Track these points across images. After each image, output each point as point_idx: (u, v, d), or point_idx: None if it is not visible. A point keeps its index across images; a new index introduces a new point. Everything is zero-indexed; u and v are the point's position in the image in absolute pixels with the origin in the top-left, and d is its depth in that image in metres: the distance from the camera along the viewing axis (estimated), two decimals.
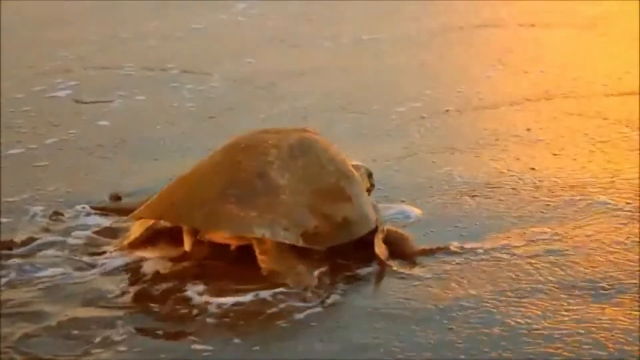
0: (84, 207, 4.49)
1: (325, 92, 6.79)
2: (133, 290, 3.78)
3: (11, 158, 5.36)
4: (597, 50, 8.06)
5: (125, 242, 4.09)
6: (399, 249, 4.10)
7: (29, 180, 4.96)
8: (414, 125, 5.97)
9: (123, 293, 3.76)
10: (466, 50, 8.03)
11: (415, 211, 4.53)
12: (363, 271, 3.96)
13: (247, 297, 3.69)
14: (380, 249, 4.02)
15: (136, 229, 4.12)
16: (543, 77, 7.09)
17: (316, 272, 3.89)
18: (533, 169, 5.14)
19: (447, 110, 6.28)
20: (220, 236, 3.96)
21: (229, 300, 3.67)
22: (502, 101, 6.48)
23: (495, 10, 9.43)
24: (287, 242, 3.85)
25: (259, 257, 3.86)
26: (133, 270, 3.95)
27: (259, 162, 3.98)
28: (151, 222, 4.05)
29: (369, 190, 4.46)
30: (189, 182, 4.02)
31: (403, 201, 4.67)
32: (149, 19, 9.38)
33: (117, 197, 4.55)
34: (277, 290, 3.72)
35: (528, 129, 5.85)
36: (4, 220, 4.42)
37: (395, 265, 3.99)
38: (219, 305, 3.64)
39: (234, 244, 3.99)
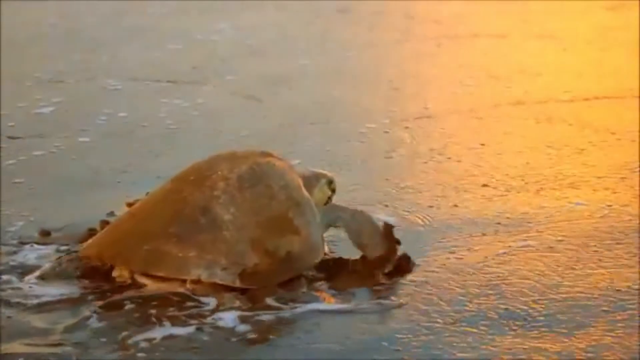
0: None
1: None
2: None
3: None
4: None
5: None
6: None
7: None
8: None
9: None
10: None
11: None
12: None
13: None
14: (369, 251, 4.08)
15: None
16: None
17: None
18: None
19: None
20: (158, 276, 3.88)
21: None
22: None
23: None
24: (223, 283, 3.80)
25: (189, 285, 3.84)
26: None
27: (205, 196, 3.92)
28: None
29: (330, 198, 4.35)
30: (135, 216, 4.00)
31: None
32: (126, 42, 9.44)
33: (46, 233, 4.44)
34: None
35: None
36: None
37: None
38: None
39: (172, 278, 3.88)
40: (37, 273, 4.00)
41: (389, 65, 8.38)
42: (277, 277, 3.89)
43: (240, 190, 3.96)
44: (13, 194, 5.14)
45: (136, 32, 10.00)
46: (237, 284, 3.81)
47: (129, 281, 3.90)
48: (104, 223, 4.33)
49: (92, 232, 4.27)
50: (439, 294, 3.89)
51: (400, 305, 3.79)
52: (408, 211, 4.82)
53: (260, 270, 3.85)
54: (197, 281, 3.82)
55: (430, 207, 4.90)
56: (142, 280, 3.89)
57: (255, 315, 3.69)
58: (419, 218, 4.73)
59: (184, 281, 3.84)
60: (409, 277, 4.03)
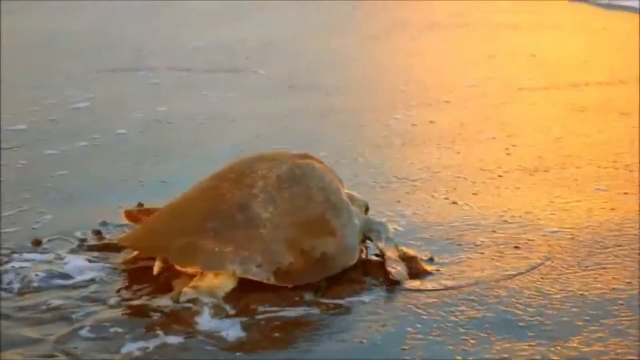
0: None
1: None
2: None
3: None
4: None
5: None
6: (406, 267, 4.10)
7: None
8: None
9: None
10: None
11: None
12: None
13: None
14: (394, 271, 4.03)
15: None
16: None
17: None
18: None
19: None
20: (192, 269, 3.91)
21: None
22: None
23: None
24: (257, 279, 3.83)
25: (194, 281, 3.83)
26: None
27: (244, 194, 3.96)
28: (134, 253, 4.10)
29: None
30: (173, 210, 4.05)
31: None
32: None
33: (37, 242, 4.43)
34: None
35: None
36: None
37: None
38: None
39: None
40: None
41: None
42: (310, 277, 3.92)
43: (278, 190, 3.99)
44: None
45: None
46: (272, 281, 3.83)
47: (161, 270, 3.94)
48: (96, 232, 4.34)
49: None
50: (437, 297, 3.92)
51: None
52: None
53: (295, 270, 3.88)
54: (204, 277, 3.82)
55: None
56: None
57: (249, 322, 3.69)
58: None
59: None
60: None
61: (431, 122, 6.75)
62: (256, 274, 3.82)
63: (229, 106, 7.41)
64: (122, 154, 6.04)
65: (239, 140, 6.28)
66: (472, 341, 3.59)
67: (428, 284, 4.03)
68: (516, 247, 4.40)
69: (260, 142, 6.17)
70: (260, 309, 3.78)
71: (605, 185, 5.25)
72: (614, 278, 4.08)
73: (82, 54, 9.72)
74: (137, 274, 4.07)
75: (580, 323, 3.71)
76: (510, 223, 4.71)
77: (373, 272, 4.10)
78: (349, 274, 4.05)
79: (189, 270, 3.92)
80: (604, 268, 4.18)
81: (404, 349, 3.53)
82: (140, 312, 3.77)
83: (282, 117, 7.03)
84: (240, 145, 6.08)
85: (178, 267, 3.95)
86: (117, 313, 3.76)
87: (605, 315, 3.76)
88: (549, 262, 4.23)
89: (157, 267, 3.97)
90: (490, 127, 6.62)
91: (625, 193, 5.10)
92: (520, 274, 4.13)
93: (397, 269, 4.04)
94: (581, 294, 3.94)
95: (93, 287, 3.98)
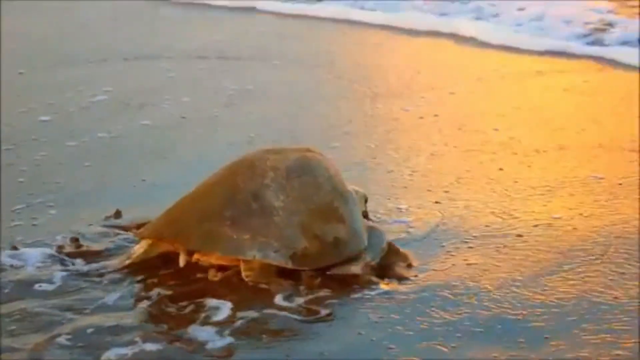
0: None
1: None
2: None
3: None
4: None
5: (127, 261, 4.18)
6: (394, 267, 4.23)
7: None
8: None
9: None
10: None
11: None
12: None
13: None
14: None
15: (139, 248, 4.23)
16: None
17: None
18: None
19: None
20: (215, 256, 4.09)
21: None
22: None
23: None
24: (276, 263, 4.00)
25: (244, 272, 4.01)
26: None
27: (256, 184, 4.14)
28: (151, 243, 4.20)
29: (364, 215, 4.56)
30: (191, 200, 4.18)
31: None
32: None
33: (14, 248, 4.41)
34: None
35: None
36: None
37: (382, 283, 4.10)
38: None
39: (227, 263, 4.10)
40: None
41: None
42: (325, 261, 4.11)
43: (288, 180, 4.18)
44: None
45: None
46: (290, 265, 4.02)
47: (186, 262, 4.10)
48: (73, 240, 4.35)
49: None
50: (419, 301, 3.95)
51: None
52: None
53: (310, 254, 4.07)
54: (251, 267, 3.99)
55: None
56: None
57: (227, 328, 3.70)
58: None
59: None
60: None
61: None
62: (275, 259, 4.00)
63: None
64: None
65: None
66: (453, 344, 3.62)
67: (404, 287, 4.06)
68: (497, 249, 4.44)
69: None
70: (239, 314, 3.80)
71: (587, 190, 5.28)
72: (591, 282, 4.11)
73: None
74: (115, 281, 4.07)
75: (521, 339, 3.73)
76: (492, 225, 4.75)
77: (349, 275, 4.12)
78: (328, 280, 4.08)
79: (211, 257, 4.10)
80: (584, 272, 4.20)
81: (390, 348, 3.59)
82: (119, 319, 3.76)
83: None
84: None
85: (200, 257, 4.13)
86: (95, 320, 3.75)
87: (584, 320, 3.79)
88: (532, 264, 4.27)
89: (182, 259, 4.12)
90: None
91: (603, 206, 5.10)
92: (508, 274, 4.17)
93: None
94: (560, 297, 3.97)
95: (71, 295, 3.96)
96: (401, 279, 4.13)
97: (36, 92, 7.52)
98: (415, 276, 4.17)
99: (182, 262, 4.12)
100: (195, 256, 4.14)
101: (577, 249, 4.45)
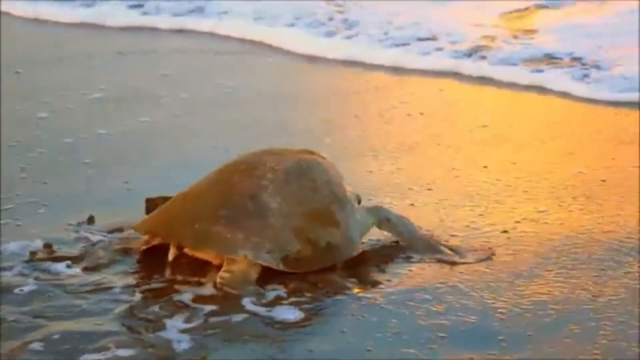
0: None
1: None
2: None
3: None
4: None
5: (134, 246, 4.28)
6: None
7: None
8: None
9: None
10: None
11: None
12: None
13: None
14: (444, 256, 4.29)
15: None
16: None
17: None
18: None
19: None
20: (205, 254, 4.13)
21: None
22: None
23: None
24: (267, 265, 4.01)
25: (221, 273, 4.01)
26: None
27: (253, 184, 4.15)
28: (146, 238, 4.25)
29: None
30: (186, 199, 4.20)
31: None
32: None
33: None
34: None
35: None
36: None
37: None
38: None
39: (216, 261, 4.11)
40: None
41: None
42: (317, 264, 4.12)
43: (286, 182, 4.20)
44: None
45: None
46: (281, 267, 4.04)
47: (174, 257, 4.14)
48: (46, 246, 4.35)
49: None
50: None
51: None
52: None
53: (302, 257, 4.09)
54: (231, 271, 4.00)
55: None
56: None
57: (198, 330, 3.72)
58: None
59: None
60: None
61: None
62: (266, 260, 4.01)
63: None
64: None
65: None
66: (434, 346, 3.64)
67: (381, 289, 4.06)
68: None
69: None
70: (214, 319, 3.79)
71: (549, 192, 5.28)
72: (561, 286, 4.10)
73: None
74: (89, 287, 4.04)
75: (531, 333, 3.74)
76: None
77: (322, 280, 4.11)
78: (303, 283, 4.08)
79: (203, 255, 4.13)
80: (554, 276, 4.20)
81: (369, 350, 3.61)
82: (92, 325, 3.75)
83: None
84: None
85: (191, 253, 4.16)
86: (69, 326, 3.74)
87: (558, 324, 3.79)
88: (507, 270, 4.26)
89: (171, 253, 4.15)
90: None
91: (581, 209, 5.06)
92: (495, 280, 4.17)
93: (446, 254, 4.29)
94: (533, 301, 3.97)
95: (44, 301, 3.94)
96: (375, 283, 4.13)
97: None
98: (389, 281, 4.16)
99: (171, 256, 4.14)
100: (186, 251, 4.17)
101: (560, 249, 4.45)
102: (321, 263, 4.13)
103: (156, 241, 4.26)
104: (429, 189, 5.16)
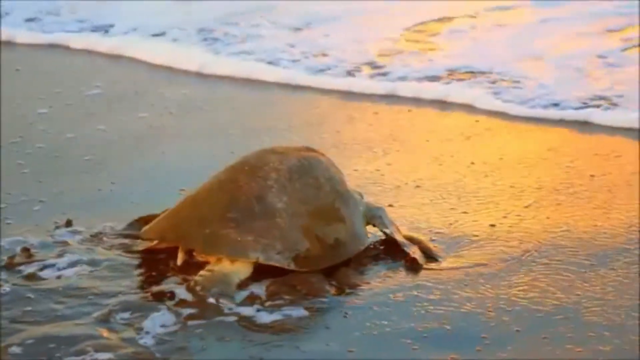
0: None
1: None
2: None
3: None
4: None
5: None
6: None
7: None
8: None
9: None
10: None
11: None
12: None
13: None
14: (413, 249, 4.28)
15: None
16: None
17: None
18: None
19: None
20: (215, 257, 4.12)
21: None
22: None
23: None
24: (278, 265, 4.06)
25: (202, 272, 4.03)
26: None
27: (259, 185, 4.19)
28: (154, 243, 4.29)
29: None
30: (193, 202, 4.24)
31: None
32: None
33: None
34: None
35: None
36: None
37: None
38: None
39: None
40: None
41: None
42: (327, 262, 4.17)
43: (290, 181, 4.24)
44: None
45: None
46: (292, 267, 4.08)
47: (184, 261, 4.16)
48: (24, 250, 4.34)
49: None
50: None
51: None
52: None
53: (312, 255, 4.13)
54: (211, 270, 4.03)
55: None
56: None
57: (178, 333, 3.73)
58: None
59: None
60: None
61: None
62: (278, 261, 4.06)
63: None
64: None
65: None
66: (416, 346, 3.65)
67: (359, 293, 4.08)
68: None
69: None
70: (191, 323, 3.79)
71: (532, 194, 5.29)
72: (545, 284, 4.12)
73: None
74: (67, 291, 4.03)
75: (513, 332, 3.75)
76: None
77: (301, 283, 4.10)
78: (282, 286, 4.07)
79: (213, 259, 4.12)
80: (538, 275, 4.21)
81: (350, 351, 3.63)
82: (70, 328, 3.74)
83: None
84: None
85: (201, 257, 4.17)
86: (47, 330, 3.72)
87: (541, 324, 3.81)
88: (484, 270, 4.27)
89: (180, 258, 4.17)
90: None
91: (558, 204, 5.09)
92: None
93: (418, 253, 4.29)
94: (516, 300, 3.99)
95: (22, 305, 3.92)
96: (354, 285, 4.13)
97: None
98: (368, 283, 4.17)
99: (180, 260, 4.17)
100: (195, 255, 4.21)
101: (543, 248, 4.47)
102: (331, 260, 4.19)
103: (163, 245, 4.29)
104: None
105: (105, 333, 3.69)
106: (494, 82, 7.20)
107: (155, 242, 4.31)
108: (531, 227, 4.71)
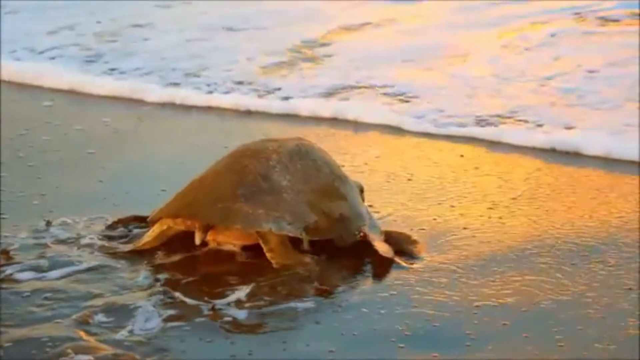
0: None
1: None
2: None
3: None
4: None
5: (139, 245, 4.39)
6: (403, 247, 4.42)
7: None
8: None
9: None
10: None
11: None
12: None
13: None
14: (384, 249, 4.34)
15: (150, 233, 4.42)
16: None
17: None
18: None
19: None
20: (229, 234, 4.34)
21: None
22: None
23: None
24: (291, 234, 4.25)
25: (267, 254, 4.24)
26: None
27: (263, 165, 4.38)
28: (165, 227, 4.38)
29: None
30: (202, 184, 4.40)
31: None
32: None
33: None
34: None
35: None
36: None
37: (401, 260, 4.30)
38: None
39: (238, 244, 4.37)
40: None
41: None
42: (334, 232, 4.38)
43: (291, 162, 4.45)
44: None
45: None
46: (303, 235, 4.28)
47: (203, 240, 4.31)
48: (3, 252, 4.33)
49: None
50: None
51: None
52: None
53: (320, 227, 4.33)
54: (271, 248, 4.24)
55: None
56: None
57: (158, 334, 3.72)
58: None
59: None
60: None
61: None
62: (290, 231, 4.25)
63: None
64: None
65: None
66: (401, 345, 3.66)
67: (340, 293, 4.08)
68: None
69: None
70: (171, 324, 3.79)
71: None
72: (528, 284, 4.13)
73: None
74: (46, 294, 4.02)
75: (495, 332, 3.77)
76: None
77: (281, 284, 4.12)
78: (263, 286, 4.09)
79: (223, 237, 4.34)
80: (522, 274, 4.22)
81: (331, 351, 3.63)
82: (49, 330, 3.73)
83: None
84: None
85: (214, 238, 4.35)
86: (26, 333, 3.71)
87: (523, 323, 3.82)
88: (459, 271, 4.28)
89: (198, 237, 4.31)
90: None
91: (537, 208, 5.09)
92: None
93: (382, 247, 4.36)
94: (499, 300, 4.00)
95: (1, 309, 3.90)
96: (335, 286, 4.14)
97: None
98: (349, 283, 4.19)
99: (198, 239, 4.29)
100: (210, 236, 4.34)
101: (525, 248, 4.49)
102: (338, 231, 4.37)
103: (170, 229, 4.38)
104: None
105: (85, 335, 3.68)
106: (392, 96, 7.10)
107: (151, 240, 4.38)
108: (515, 225, 4.75)
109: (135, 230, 4.58)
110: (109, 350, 3.59)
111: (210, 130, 6.78)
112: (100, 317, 3.81)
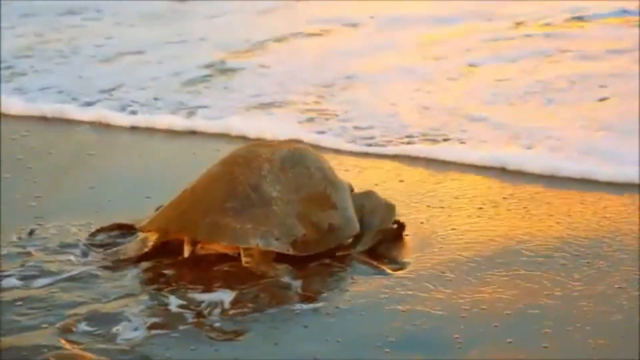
0: None
1: None
2: None
3: None
4: None
5: (131, 255, 4.36)
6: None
7: None
8: None
9: None
10: None
11: None
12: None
13: None
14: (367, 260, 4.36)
15: (143, 241, 4.41)
16: None
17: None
18: None
19: None
20: (218, 246, 4.31)
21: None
22: None
23: None
24: (278, 250, 4.23)
25: (244, 259, 4.22)
26: None
27: (254, 175, 4.36)
28: (155, 236, 4.36)
29: None
30: (193, 194, 4.37)
31: None
32: None
33: None
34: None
35: None
36: None
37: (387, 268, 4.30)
38: None
39: (229, 252, 4.31)
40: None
41: None
42: (322, 246, 4.35)
43: (283, 171, 4.43)
44: None
45: None
46: (290, 251, 4.25)
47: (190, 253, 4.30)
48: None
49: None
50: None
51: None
52: None
53: (309, 240, 4.31)
54: (251, 254, 4.21)
55: None
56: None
57: (141, 342, 3.71)
58: None
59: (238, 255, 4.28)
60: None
61: None
62: (277, 247, 4.23)
63: None
64: None
65: None
66: (387, 350, 3.66)
67: (324, 299, 4.07)
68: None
69: None
70: (155, 332, 3.78)
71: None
72: (513, 288, 4.12)
73: None
74: (29, 303, 4.01)
75: (480, 335, 3.77)
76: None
77: (265, 291, 4.11)
78: (246, 293, 4.07)
79: (213, 247, 4.31)
80: (508, 277, 4.22)
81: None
82: (32, 339, 3.72)
83: None
84: None
85: (203, 248, 4.32)
86: (11, 342, 3.71)
87: (512, 326, 3.82)
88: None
89: (186, 250, 4.30)
90: None
91: (510, 210, 5.08)
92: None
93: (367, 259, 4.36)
94: (485, 303, 3.99)
95: None
96: (318, 292, 4.13)
97: None
98: (332, 290, 4.18)
99: (186, 252, 4.29)
100: (199, 246, 4.33)
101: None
102: (326, 244, 4.36)
103: (161, 240, 4.35)
104: None
105: (68, 344, 3.67)
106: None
107: (148, 251, 4.36)
108: (499, 230, 4.75)
109: (119, 239, 4.55)
110: (93, 358, 3.57)
111: None
112: (83, 326, 3.80)
